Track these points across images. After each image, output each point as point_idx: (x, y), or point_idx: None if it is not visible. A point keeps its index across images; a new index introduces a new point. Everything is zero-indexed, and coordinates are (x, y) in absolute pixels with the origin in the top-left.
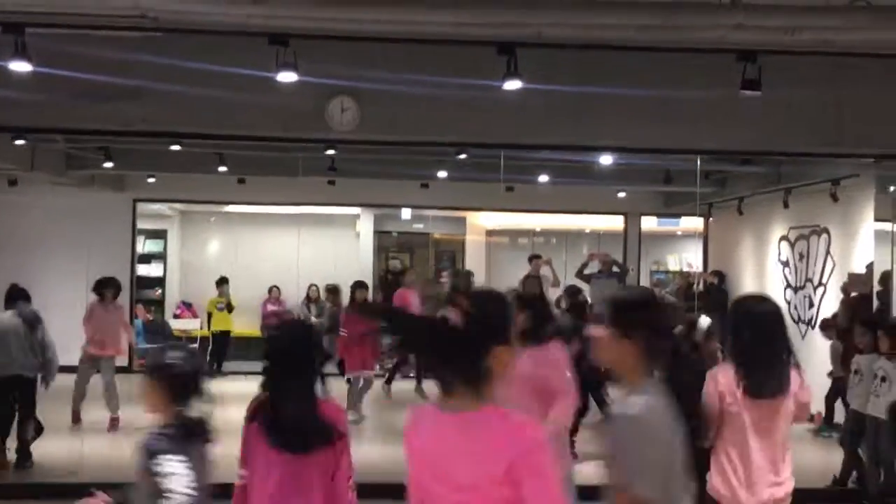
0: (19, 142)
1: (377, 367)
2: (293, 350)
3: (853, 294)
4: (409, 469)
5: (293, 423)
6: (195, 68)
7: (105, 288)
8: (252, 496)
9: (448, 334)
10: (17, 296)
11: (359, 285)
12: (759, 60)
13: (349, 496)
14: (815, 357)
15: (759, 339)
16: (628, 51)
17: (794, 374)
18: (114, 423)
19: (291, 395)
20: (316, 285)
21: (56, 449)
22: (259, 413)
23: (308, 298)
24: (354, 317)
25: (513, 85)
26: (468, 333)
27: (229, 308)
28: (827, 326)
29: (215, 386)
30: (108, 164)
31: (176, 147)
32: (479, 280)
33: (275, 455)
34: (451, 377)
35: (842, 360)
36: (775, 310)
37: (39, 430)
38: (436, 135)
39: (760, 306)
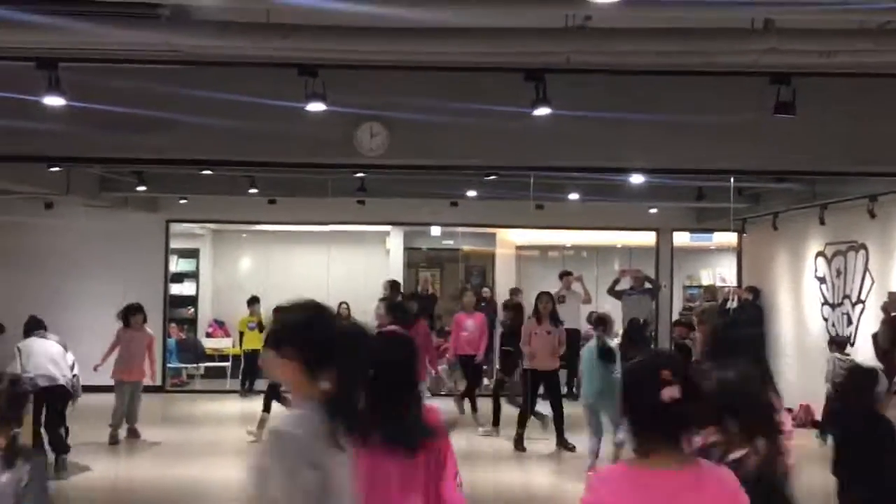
0: (54, 169)
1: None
2: (403, 360)
3: (894, 314)
4: None
5: (409, 424)
6: (225, 99)
7: (130, 314)
8: None
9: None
10: (36, 326)
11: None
12: (792, 83)
13: (459, 496)
14: None
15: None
16: (659, 75)
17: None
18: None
19: (403, 400)
20: (346, 303)
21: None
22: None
23: (339, 316)
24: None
25: (542, 111)
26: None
27: (260, 327)
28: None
29: (247, 405)
30: (142, 188)
31: (208, 171)
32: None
33: (389, 463)
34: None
35: None
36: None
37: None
38: (465, 158)
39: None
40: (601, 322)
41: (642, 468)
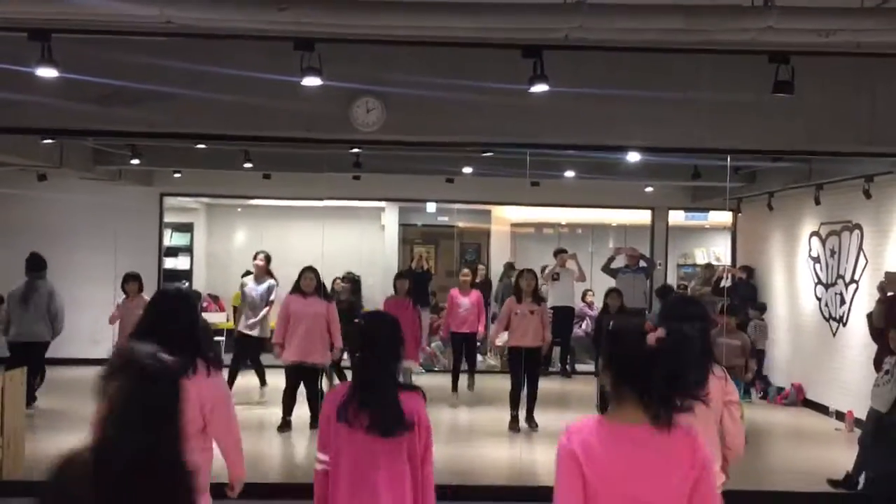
0: (47, 141)
1: (420, 358)
2: (382, 340)
3: (889, 293)
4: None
5: (380, 408)
6: (220, 72)
7: (125, 283)
8: (335, 480)
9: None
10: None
11: (400, 275)
12: (791, 61)
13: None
14: (847, 354)
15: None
16: (657, 53)
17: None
18: None
19: (378, 382)
20: (340, 278)
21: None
22: (343, 399)
23: (333, 291)
24: (397, 305)
25: (540, 88)
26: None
27: None
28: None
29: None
30: (136, 161)
31: (202, 145)
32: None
33: (359, 438)
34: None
35: (875, 361)
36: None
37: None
38: (461, 135)
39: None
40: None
41: (612, 422)
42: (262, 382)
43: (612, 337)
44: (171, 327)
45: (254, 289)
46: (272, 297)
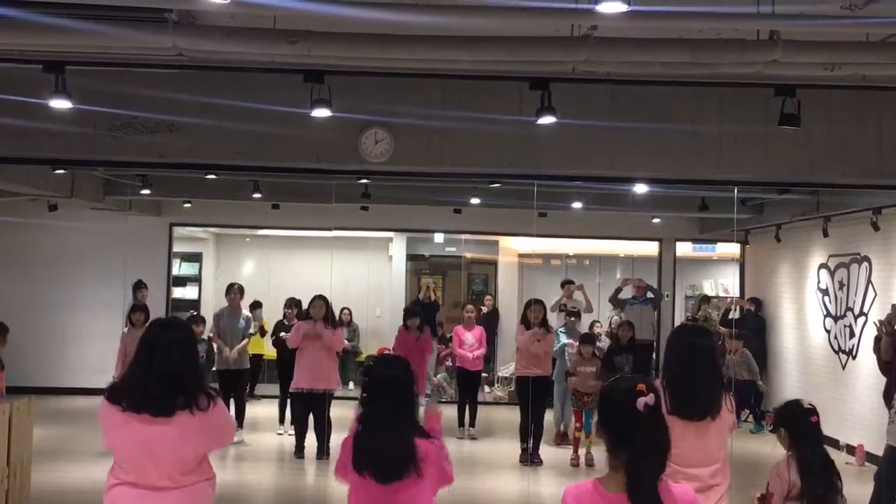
0: (59, 171)
1: (427, 390)
2: (393, 384)
3: None
4: None
5: (384, 455)
6: (231, 104)
7: (132, 313)
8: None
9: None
10: None
11: (410, 312)
12: (797, 94)
13: None
14: (857, 387)
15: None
16: (663, 85)
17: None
18: None
19: (387, 427)
20: (348, 308)
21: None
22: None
23: (341, 322)
24: (406, 338)
25: (547, 120)
26: None
27: (262, 332)
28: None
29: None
30: (146, 191)
31: (212, 175)
32: (511, 302)
33: (374, 488)
34: None
35: (884, 394)
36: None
37: None
38: (469, 166)
39: (695, 338)
40: None
41: (609, 484)
42: (240, 423)
43: (602, 400)
44: (166, 364)
45: (232, 323)
46: (251, 330)
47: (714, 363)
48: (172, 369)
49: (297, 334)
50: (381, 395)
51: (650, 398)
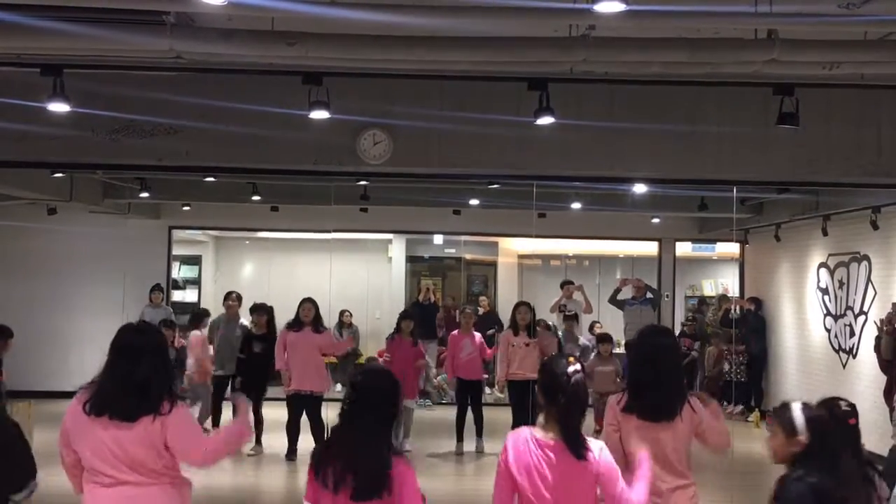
0: (58, 175)
1: (417, 394)
2: (377, 398)
3: None
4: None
5: (361, 471)
6: (229, 106)
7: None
8: None
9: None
10: None
11: (405, 315)
12: (795, 93)
13: None
14: (857, 386)
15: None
16: (662, 85)
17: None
18: None
19: (365, 442)
20: (348, 310)
21: None
22: (324, 459)
23: (341, 323)
24: (398, 344)
25: (545, 120)
26: None
27: None
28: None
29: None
30: (145, 194)
31: (211, 178)
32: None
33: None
34: None
35: (885, 393)
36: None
37: None
38: (468, 167)
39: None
40: None
41: (541, 433)
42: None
43: (544, 368)
44: (133, 370)
45: (229, 332)
46: None
47: (677, 364)
48: (139, 376)
49: (280, 351)
50: (363, 408)
51: (577, 366)
